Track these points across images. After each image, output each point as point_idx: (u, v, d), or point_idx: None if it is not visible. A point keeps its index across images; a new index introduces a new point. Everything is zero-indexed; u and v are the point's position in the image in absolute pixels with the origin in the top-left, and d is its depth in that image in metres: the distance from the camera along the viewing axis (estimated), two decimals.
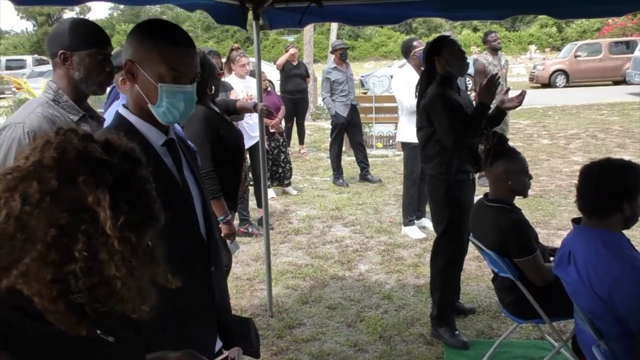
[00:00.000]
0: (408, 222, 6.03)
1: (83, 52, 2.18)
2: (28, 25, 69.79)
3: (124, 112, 1.78)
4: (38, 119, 2.12)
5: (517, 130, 12.23)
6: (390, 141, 10.89)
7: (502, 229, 3.07)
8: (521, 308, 3.12)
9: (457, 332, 3.84)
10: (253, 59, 5.55)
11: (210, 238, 1.88)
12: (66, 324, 0.97)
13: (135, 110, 1.76)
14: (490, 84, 3.53)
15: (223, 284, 2.22)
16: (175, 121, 1.77)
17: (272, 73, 13.21)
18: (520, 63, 31.77)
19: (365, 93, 15.72)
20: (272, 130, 7.03)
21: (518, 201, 3.26)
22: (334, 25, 17.50)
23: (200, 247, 1.84)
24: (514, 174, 3.14)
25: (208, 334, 1.89)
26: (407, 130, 5.65)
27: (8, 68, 22.67)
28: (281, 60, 10.21)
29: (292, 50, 10.10)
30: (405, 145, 5.96)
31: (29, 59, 25.82)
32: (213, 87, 3.46)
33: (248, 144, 6.10)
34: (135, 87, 1.72)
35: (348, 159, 9.27)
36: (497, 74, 3.74)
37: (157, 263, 1.07)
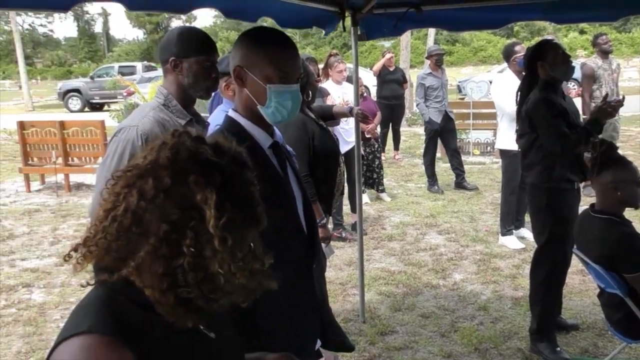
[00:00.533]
0: (506, 231, 5.83)
1: (192, 59, 2.28)
2: (139, 34, 73.84)
3: (234, 115, 1.87)
4: (150, 122, 2.22)
5: (628, 138, 11.55)
6: (488, 148, 10.58)
7: (610, 241, 2.91)
8: (631, 326, 2.94)
9: (558, 349, 3.66)
10: (350, 65, 5.59)
11: (312, 237, 1.94)
12: (174, 316, 1.01)
13: (245, 113, 1.85)
14: (608, 105, 3.41)
15: (323, 282, 2.27)
16: (284, 120, 1.85)
17: (368, 79, 13.22)
18: (633, 67, 29.95)
19: (463, 99, 15.38)
20: (367, 136, 7.03)
21: (628, 213, 3.07)
22: (432, 30, 17.30)
23: (304, 245, 1.91)
24: (624, 183, 2.96)
25: (311, 330, 1.94)
26: (507, 138, 5.47)
27: (121, 74, 24.07)
28: (377, 66, 10.20)
29: (388, 55, 10.06)
30: (504, 153, 5.77)
31: (139, 65, 27.30)
32: (309, 93, 3.52)
33: (343, 149, 6.13)
34: (244, 91, 1.82)
35: (444, 166, 9.10)
36: (610, 99, 3.58)
37: (259, 263, 1.09)
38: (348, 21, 4.01)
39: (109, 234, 1.00)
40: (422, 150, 8.59)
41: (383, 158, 7.52)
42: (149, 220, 0.99)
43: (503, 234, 5.86)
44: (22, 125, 9.27)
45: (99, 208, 1.05)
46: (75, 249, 1.04)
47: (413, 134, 13.84)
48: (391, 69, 10.12)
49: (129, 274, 1.00)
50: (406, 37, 15.82)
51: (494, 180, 8.47)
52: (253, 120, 1.83)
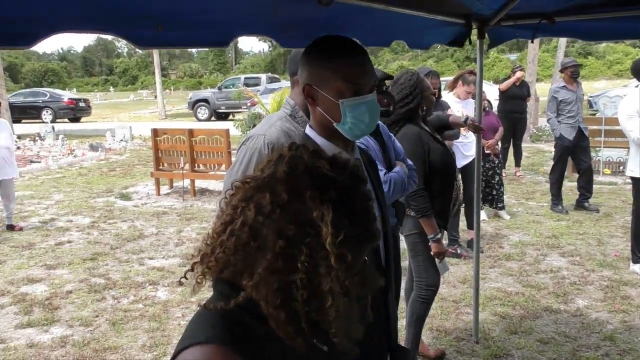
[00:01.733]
0: (638, 259, 5.41)
1: None
2: (265, 47, 76.72)
3: (311, 134, 1.77)
4: (277, 132, 2.28)
5: None
6: (621, 168, 9.89)
7: None
8: None
9: None
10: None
11: (388, 261, 1.83)
12: (284, 333, 1.01)
13: (321, 131, 1.74)
14: None
15: (396, 310, 2.16)
16: (364, 135, 1.76)
17: (491, 93, 12.85)
18: None
19: (594, 115, 14.50)
20: (487, 152, 6.82)
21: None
22: (562, 43, 16.48)
23: (379, 270, 1.80)
24: None
25: (379, 357, 1.85)
26: (637, 164, 5.09)
27: (246, 85, 25.11)
28: (507, 84, 9.90)
29: (519, 75, 9.78)
30: (636, 181, 5.35)
31: (263, 77, 28.32)
32: (424, 107, 3.50)
33: (461, 163, 5.99)
34: (318, 109, 1.71)
35: (569, 185, 8.62)
36: None
37: (367, 285, 1.07)
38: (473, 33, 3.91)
39: (227, 249, 1.01)
40: (545, 168, 8.21)
41: (504, 175, 7.24)
42: (266, 235, 0.99)
43: (635, 261, 5.44)
44: (155, 133, 9.94)
45: (217, 220, 1.08)
46: (192, 269, 1.08)
47: (537, 150, 13.23)
48: (517, 84, 9.79)
49: (246, 287, 1.02)
50: (534, 50, 15.20)
51: (625, 202, 7.89)
52: (331, 138, 1.73)
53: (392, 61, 53.81)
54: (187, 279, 1.10)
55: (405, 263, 4.07)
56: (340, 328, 1.02)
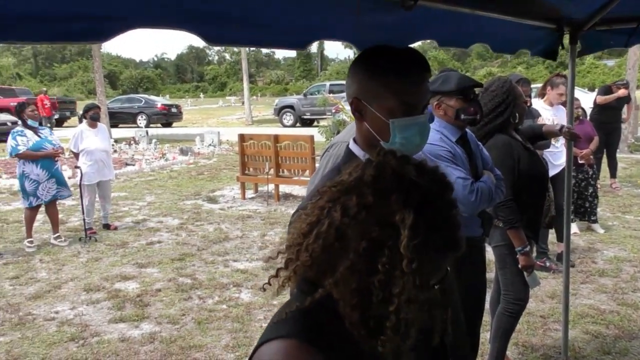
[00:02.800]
0: None
1: None
2: (350, 54, 77.15)
3: (354, 148, 1.67)
4: None
5: None
6: None
7: None
8: None
9: None
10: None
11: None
12: (357, 333, 1.03)
13: (365, 146, 1.63)
14: None
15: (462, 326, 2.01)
16: (411, 155, 1.70)
17: (586, 100, 12.29)
18: None
19: None
20: (580, 162, 6.52)
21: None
22: None
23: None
24: None
25: None
26: None
27: (331, 92, 25.31)
28: (605, 100, 9.43)
29: (621, 92, 9.29)
30: None
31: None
32: (517, 116, 3.38)
33: (550, 172, 5.76)
34: (365, 125, 1.60)
35: None
36: None
37: (446, 295, 1.06)
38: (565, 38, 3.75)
39: (314, 252, 1.03)
40: None
41: (598, 186, 6.90)
42: (350, 236, 1.01)
43: None
44: (242, 138, 10.19)
45: (302, 220, 1.10)
46: (276, 275, 1.11)
47: (635, 161, 12.53)
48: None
49: (328, 285, 1.04)
50: (634, 55, 14.41)
51: None
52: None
53: (480, 67, 52.67)
54: (270, 284, 1.12)
55: (490, 275, 3.95)
56: (394, 337, 1.01)
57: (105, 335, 4.59)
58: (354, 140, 1.69)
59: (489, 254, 3.58)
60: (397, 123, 1.54)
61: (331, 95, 20.81)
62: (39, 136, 7.04)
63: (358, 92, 1.58)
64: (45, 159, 6.99)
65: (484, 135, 3.34)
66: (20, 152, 6.85)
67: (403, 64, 1.54)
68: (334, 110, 17.55)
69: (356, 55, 1.65)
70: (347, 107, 12.57)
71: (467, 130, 2.98)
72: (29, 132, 6.98)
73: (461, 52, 71.90)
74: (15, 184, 9.29)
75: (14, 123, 18.61)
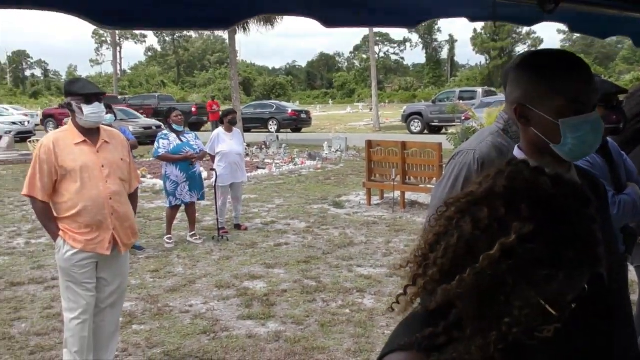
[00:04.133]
0: None
1: None
2: (482, 59, 75.20)
3: (520, 155, 1.63)
4: (488, 146, 2.20)
5: None
6: None
7: None
8: None
9: None
10: None
11: (611, 290, 1.59)
12: (475, 346, 0.99)
13: (532, 152, 1.60)
14: None
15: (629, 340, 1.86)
16: (584, 156, 1.61)
17: None
18: None
19: None
20: None
21: None
22: None
23: (601, 299, 1.57)
24: None
25: None
26: None
27: (461, 98, 24.78)
28: None
29: None
30: None
31: (479, 90, 27.69)
32: None
33: None
34: (531, 130, 1.58)
35: None
36: None
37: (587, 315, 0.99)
38: None
39: (443, 266, 1.00)
40: None
41: None
42: (479, 249, 0.97)
43: None
44: (369, 144, 10.24)
45: (429, 232, 1.07)
46: (404, 292, 1.09)
47: None
48: None
49: (450, 287, 1.01)
50: None
51: None
52: (543, 160, 1.55)
53: (626, 72, 49.02)
54: (399, 303, 1.11)
55: (633, 297, 3.65)
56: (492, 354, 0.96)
57: (233, 331, 4.79)
58: (519, 147, 1.66)
59: (632, 273, 3.31)
60: (568, 123, 1.51)
61: (461, 102, 20.35)
62: (180, 140, 7.51)
63: (523, 97, 1.57)
64: (183, 161, 7.45)
65: (626, 142, 3.09)
66: (160, 154, 7.36)
67: (569, 63, 1.53)
68: (463, 117, 17.16)
69: (514, 63, 1.64)
70: (479, 115, 12.31)
71: (609, 139, 2.78)
72: (172, 136, 7.47)
73: (604, 56, 67.44)
74: (158, 183, 9.98)
75: (158, 127, 20.03)
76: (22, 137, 23.47)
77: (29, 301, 5.55)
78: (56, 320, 4.94)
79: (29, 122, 26.40)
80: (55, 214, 3.67)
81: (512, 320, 0.95)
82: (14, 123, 25.57)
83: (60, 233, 3.62)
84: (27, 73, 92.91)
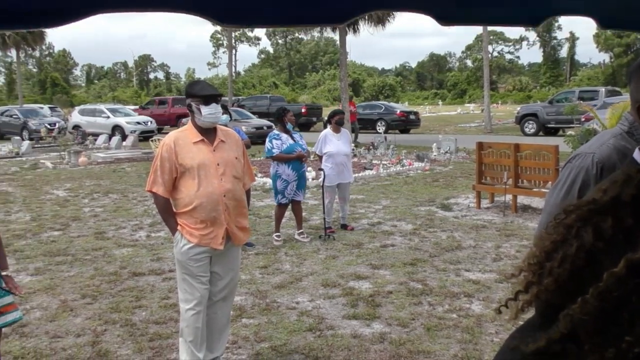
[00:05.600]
0: None
1: None
2: (605, 57, 70.85)
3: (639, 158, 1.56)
4: (609, 150, 2.08)
5: None
6: None
7: None
8: None
9: None
10: None
11: None
12: None
13: None
14: None
15: None
16: None
17: None
18: None
19: None
20: None
21: None
22: None
23: None
24: None
25: None
26: None
27: (581, 99, 23.47)
28: None
29: None
30: None
31: (601, 90, 26.11)
32: None
33: None
34: None
35: None
36: None
37: None
38: None
39: (560, 276, 0.96)
40: None
41: None
42: (600, 261, 0.91)
43: None
44: (480, 146, 9.97)
45: (545, 239, 1.02)
46: (515, 298, 1.05)
47: None
48: None
49: (572, 311, 0.96)
50: None
51: None
52: None
53: None
54: (507, 307, 1.07)
55: None
56: None
57: (339, 330, 4.84)
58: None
59: None
60: None
61: (581, 102, 19.30)
62: (293, 140, 7.70)
63: None
64: (296, 161, 7.62)
65: None
66: (274, 154, 7.56)
67: None
68: (583, 119, 16.27)
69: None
70: (601, 116, 11.61)
71: None
72: (284, 136, 7.67)
73: None
74: (268, 182, 10.28)
75: (269, 127, 20.63)
76: (145, 136, 25.08)
77: (148, 291, 5.91)
78: (172, 310, 5.23)
79: (151, 122, 28.12)
80: (174, 210, 3.89)
81: (634, 339, 0.90)
82: (138, 123, 27.35)
83: (178, 227, 3.83)
84: (151, 76, 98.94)
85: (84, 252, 7.46)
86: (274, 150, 7.54)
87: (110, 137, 24.44)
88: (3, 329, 2.28)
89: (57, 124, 27.26)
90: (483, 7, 1.99)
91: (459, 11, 1.95)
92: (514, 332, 1.05)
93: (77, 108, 32.16)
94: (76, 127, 27.20)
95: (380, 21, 22.08)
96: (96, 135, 24.93)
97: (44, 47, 68.71)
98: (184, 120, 20.40)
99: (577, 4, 2.13)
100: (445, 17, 1.90)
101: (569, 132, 14.94)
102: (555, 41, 75.75)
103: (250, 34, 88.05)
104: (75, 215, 9.87)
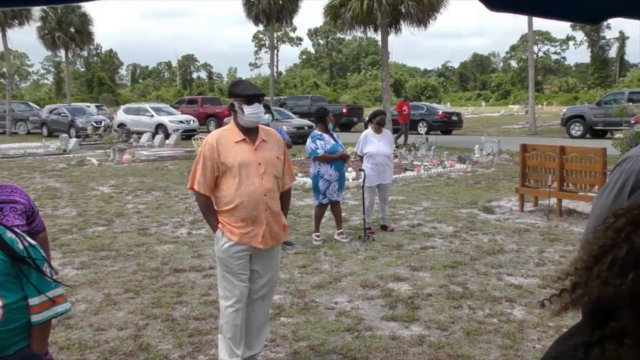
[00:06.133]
0: None
1: None
2: None
3: None
4: None
5: None
6: None
7: None
8: None
9: None
10: None
11: None
12: None
13: None
14: None
15: None
16: None
17: None
18: None
19: None
20: None
21: None
22: None
23: None
24: None
25: None
26: None
27: (630, 100, 22.79)
28: None
29: None
30: None
31: None
32: None
33: None
34: None
35: None
36: None
37: None
38: None
39: (608, 279, 0.93)
40: None
41: None
42: None
43: None
44: (524, 148, 9.78)
45: (594, 243, 1.00)
46: (560, 295, 1.02)
47: None
48: None
49: (624, 318, 0.93)
50: None
51: None
52: None
53: None
54: (551, 302, 1.05)
55: None
56: None
57: (377, 331, 4.82)
58: None
59: None
60: None
61: (631, 104, 18.74)
62: (335, 140, 7.70)
63: None
64: (338, 161, 7.62)
65: None
66: (319, 154, 7.56)
67: None
68: (632, 121, 15.82)
69: None
70: None
71: None
72: (326, 136, 7.67)
73: None
74: (308, 182, 10.29)
75: (310, 127, 20.69)
76: (188, 134, 25.48)
77: (189, 287, 5.99)
78: (212, 307, 5.29)
79: (194, 121, 28.55)
80: (215, 207, 3.93)
81: None
82: (181, 122, 27.81)
83: (219, 225, 3.87)
84: (194, 75, 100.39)
85: (127, 247, 7.62)
86: (318, 151, 7.54)
87: (153, 135, 24.92)
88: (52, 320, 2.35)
89: (103, 122, 27.94)
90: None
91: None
92: (559, 338, 1.03)
93: (122, 107, 32.88)
94: (121, 125, 27.82)
95: (422, 21, 21.88)
96: (140, 133, 25.44)
97: (92, 47, 70.36)
98: (226, 119, 20.64)
99: None
100: (495, 3, 1.83)
101: (618, 134, 14.55)
102: (603, 41, 73.73)
103: (292, 34, 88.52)
104: (119, 212, 10.09)
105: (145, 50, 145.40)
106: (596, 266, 0.96)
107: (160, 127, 26.94)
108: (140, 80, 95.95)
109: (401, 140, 22.16)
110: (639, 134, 10.16)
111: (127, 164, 17.46)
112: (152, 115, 28.24)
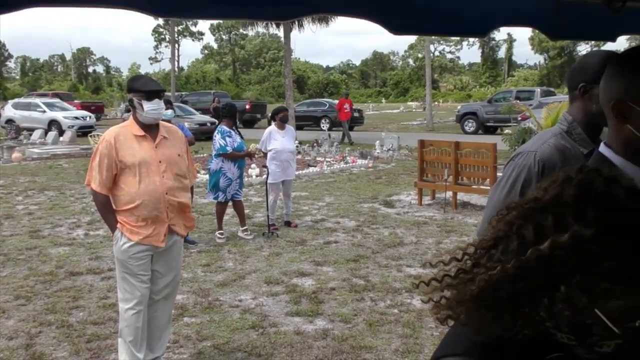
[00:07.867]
0: None
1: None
2: (540, 59, 73.16)
3: (607, 152, 1.56)
4: (550, 148, 2.16)
5: None
6: None
7: None
8: None
9: None
10: None
11: None
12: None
13: (623, 150, 1.53)
14: None
15: None
16: None
17: None
18: None
19: None
20: None
21: None
22: None
23: None
24: None
25: None
26: None
27: (518, 98, 24.22)
28: None
29: None
30: None
31: (537, 90, 27.02)
32: None
33: None
34: (627, 127, 1.49)
35: None
36: None
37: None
38: None
39: (501, 271, 0.97)
40: None
41: None
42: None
43: None
44: (422, 144, 10.16)
45: (487, 232, 1.04)
46: (440, 280, 1.07)
47: None
48: None
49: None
50: None
51: None
52: (633, 159, 1.49)
53: None
54: (428, 285, 1.10)
55: None
56: None
57: (282, 327, 4.85)
58: (606, 144, 1.59)
59: None
60: None
61: (518, 102, 19.90)
62: (241, 137, 7.65)
63: (623, 93, 1.49)
64: (242, 159, 7.57)
65: None
66: (228, 152, 7.46)
67: None
68: (520, 118, 16.79)
69: (614, 57, 1.56)
70: (537, 115, 11.93)
71: None
72: (233, 133, 7.60)
73: None
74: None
75: (213, 124, 20.38)
76: (84, 131, 24.34)
77: (86, 291, 5.75)
78: (112, 310, 5.11)
79: (90, 117, 27.32)
80: (114, 207, 3.79)
81: (546, 314, 0.92)
82: (76, 118, 26.54)
83: (118, 225, 3.74)
84: (90, 69, 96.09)
85: (18, 251, 7.19)
86: (227, 148, 7.43)
87: (46, 132, 23.61)
88: None
89: None
90: (437, 20, 2.04)
91: (411, 22, 2.00)
92: (456, 322, 1.07)
93: (11, 102, 30.87)
94: (9, 121, 26.14)
95: (324, 19, 22.11)
96: (31, 130, 24.02)
97: None
98: (125, 115, 19.90)
99: (522, 18, 2.21)
100: (398, 28, 1.94)
101: (507, 130, 15.38)
102: (493, 42, 77.75)
103: (193, 28, 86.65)
104: (8, 213, 9.50)
105: (36, 42, 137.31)
106: (486, 256, 1.00)
107: (53, 124, 25.57)
108: (31, 74, 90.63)
109: (346, 139, 22.08)
110: (525, 130, 10.79)
111: (17, 163, 16.45)
112: (44, 111, 26.75)
